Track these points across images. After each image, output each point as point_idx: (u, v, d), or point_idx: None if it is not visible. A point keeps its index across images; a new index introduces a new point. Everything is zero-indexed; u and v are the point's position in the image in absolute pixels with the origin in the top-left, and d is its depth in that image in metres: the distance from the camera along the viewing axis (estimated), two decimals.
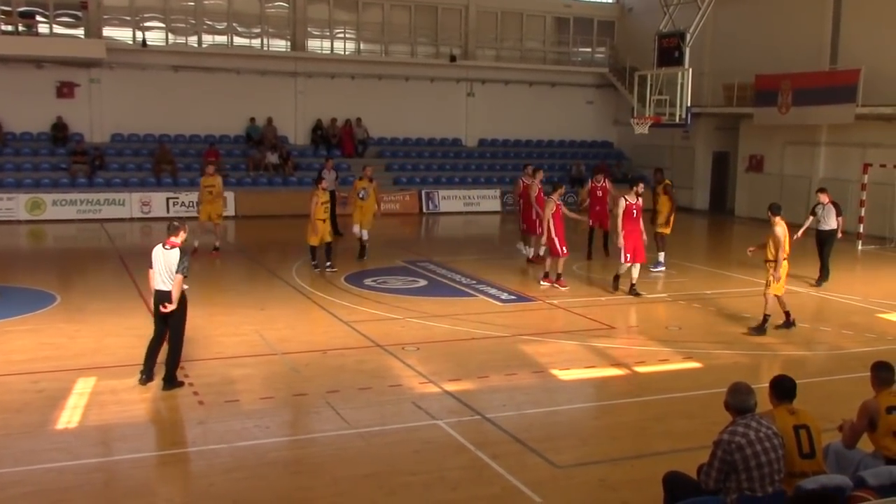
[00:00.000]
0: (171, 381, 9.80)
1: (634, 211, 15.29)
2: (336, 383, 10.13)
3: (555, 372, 10.99)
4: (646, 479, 7.48)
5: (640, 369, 11.02)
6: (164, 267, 9.74)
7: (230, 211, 26.73)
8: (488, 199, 30.16)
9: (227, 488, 7.30)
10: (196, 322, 12.84)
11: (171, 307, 9.68)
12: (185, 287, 9.86)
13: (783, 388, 6.26)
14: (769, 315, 12.77)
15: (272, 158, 28.65)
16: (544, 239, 15.86)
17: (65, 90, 27.68)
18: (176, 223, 10.14)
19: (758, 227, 27.10)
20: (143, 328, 12.42)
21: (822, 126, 26.10)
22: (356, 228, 18.84)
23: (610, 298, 15.20)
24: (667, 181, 18.83)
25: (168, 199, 26.35)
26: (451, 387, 9.98)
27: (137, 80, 28.16)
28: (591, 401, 10.35)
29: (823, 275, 17.22)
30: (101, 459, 8.10)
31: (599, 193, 19.32)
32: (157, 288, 9.82)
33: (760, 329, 12.70)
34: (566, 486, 7.54)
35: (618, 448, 8.49)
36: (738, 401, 5.87)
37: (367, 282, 16.16)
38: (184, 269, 9.73)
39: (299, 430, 9.13)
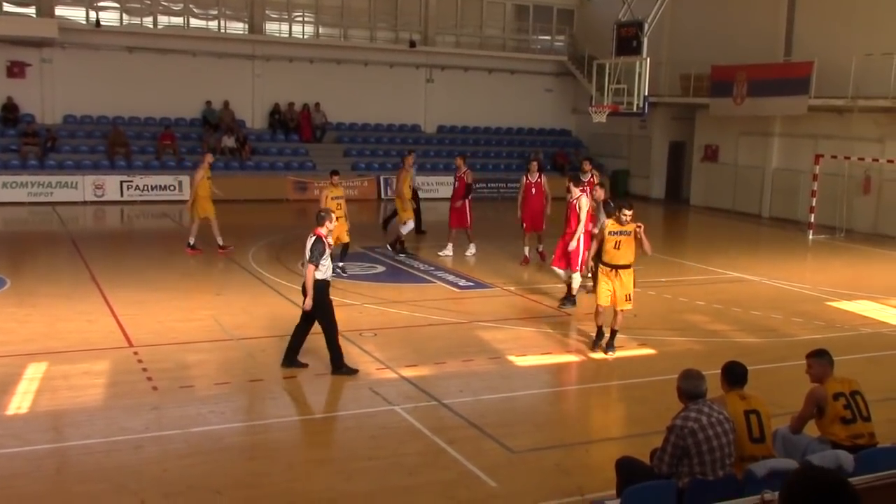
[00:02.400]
0: (339, 368, 9.82)
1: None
2: (292, 369, 10.09)
3: (511, 358, 11.06)
4: (600, 463, 7.58)
5: (596, 356, 11.13)
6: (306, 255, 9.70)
7: (185, 195, 26.40)
8: (447, 186, 30.05)
9: (181, 474, 7.25)
10: (150, 307, 12.73)
11: (308, 301, 9.70)
12: (325, 276, 9.76)
13: (734, 374, 6.39)
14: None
15: (229, 142, 28.33)
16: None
17: (15, 70, 27.04)
18: (322, 213, 10.13)
19: (712, 216, 27.54)
20: (96, 313, 12.31)
21: (776, 117, 26.50)
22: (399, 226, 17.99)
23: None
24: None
25: (122, 182, 25.91)
26: (408, 372, 10.00)
27: (91, 60, 27.61)
28: (546, 387, 10.44)
29: None
30: (53, 445, 7.99)
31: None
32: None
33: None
34: (521, 470, 7.60)
35: (572, 433, 8.59)
36: (691, 386, 5.97)
37: None
38: (314, 257, 9.61)
39: (255, 416, 9.08)
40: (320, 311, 9.81)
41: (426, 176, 28.35)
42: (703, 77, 27.91)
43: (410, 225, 17.79)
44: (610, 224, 10.79)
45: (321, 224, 9.93)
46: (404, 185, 17.75)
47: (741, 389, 6.36)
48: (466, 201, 17.75)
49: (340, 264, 15.23)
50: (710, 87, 27.32)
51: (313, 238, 9.77)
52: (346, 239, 15.42)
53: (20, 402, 8.80)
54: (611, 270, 10.74)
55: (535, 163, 17.03)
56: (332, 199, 15.24)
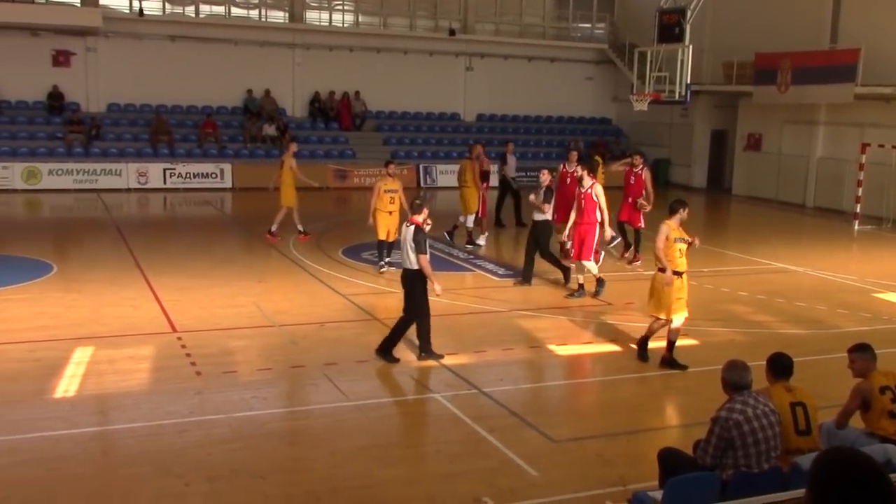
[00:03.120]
0: (428, 353, 9.91)
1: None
2: (334, 356, 10.15)
3: (552, 347, 11.02)
4: (642, 454, 7.54)
5: (637, 346, 11.03)
6: (407, 245, 9.70)
7: (227, 183, 26.71)
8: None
9: (224, 458, 7.33)
10: (193, 293, 12.88)
11: (437, 288, 9.75)
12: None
13: (780, 366, 6.30)
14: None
15: (269, 130, 28.52)
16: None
17: (61, 59, 27.46)
18: (418, 201, 10.12)
19: (755, 205, 27.17)
20: (140, 299, 12.48)
21: (820, 105, 26.04)
22: (461, 218, 17.74)
23: (607, 275, 15.15)
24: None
25: (165, 169, 26.23)
26: (448, 360, 10.00)
27: (134, 49, 27.94)
28: (587, 376, 10.39)
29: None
30: (99, 428, 8.13)
31: (632, 180, 16.12)
32: (404, 266, 9.87)
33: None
34: (562, 460, 7.58)
35: (614, 423, 8.54)
36: (736, 377, 5.89)
37: (365, 255, 16.14)
38: (423, 247, 9.65)
39: (296, 402, 9.16)
40: (420, 296, 9.78)
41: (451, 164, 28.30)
42: (746, 64, 27.50)
43: (472, 218, 17.71)
44: (675, 231, 10.01)
45: (418, 212, 9.86)
46: (475, 176, 17.57)
47: (787, 381, 6.27)
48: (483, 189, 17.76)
49: (387, 259, 14.62)
50: (754, 74, 26.92)
51: (412, 228, 9.70)
52: (392, 238, 14.42)
53: (67, 385, 8.96)
54: (678, 278, 9.96)
55: (574, 153, 16.57)
56: (385, 191, 14.50)
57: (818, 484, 2.58)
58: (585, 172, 13.57)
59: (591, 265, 13.39)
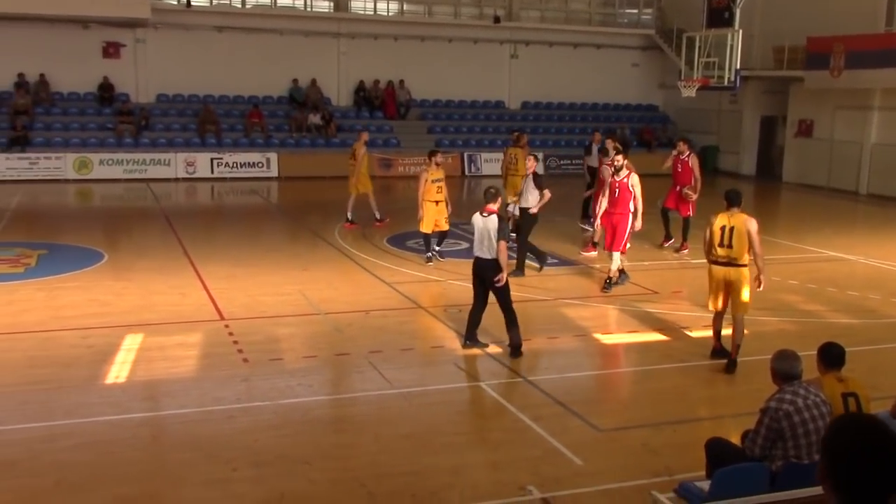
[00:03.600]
0: (518, 351, 9.68)
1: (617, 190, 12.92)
2: (378, 343, 10.20)
3: (597, 336, 10.95)
4: (688, 443, 7.45)
5: (686, 334, 10.93)
6: (485, 234, 9.55)
7: (273, 172, 26.95)
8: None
9: (271, 444, 7.40)
10: (240, 282, 13.03)
11: (502, 277, 9.51)
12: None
13: (832, 356, 6.17)
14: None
15: (315, 119, 28.69)
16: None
17: (111, 50, 27.90)
18: (493, 190, 10.04)
19: (806, 193, 26.67)
20: (188, 287, 12.66)
21: (875, 90, 25.42)
22: (510, 207, 17.95)
23: (653, 263, 15.05)
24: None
25: (213, 159, 26.55)
26: (492, 349, 9.98)
27: (182, 40, 28.27)
28: (633, 365, 10.30)
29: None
30: (149, 414, 8.27)
31: (679, 168, 15.94)
32: (478, 256, 9.67)
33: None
34: (608, 449, 7.53)
35: (660, 413, 8.45)
36: (786, 366, 5.78)
37: (410, 243, 16.17)
38: (505, 234, 9.61)
39: (342, 390, 9.23)
40: (504, 286, 9.65)
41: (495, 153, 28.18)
42: (797, 49, 26.95)
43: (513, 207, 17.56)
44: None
45: (493, 201, 9.75)
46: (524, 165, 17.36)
47: (838, 371, 6.14)
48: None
49: (437, 249, 14.61)
50: (806, 59, 26.38)
51: (492, 217, 9.57)
52: (445, 227, 14.54)
53: (118, 371, 9.13)
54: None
55: (609, 141, 16.21)
56: (431, 181, 14.37)
57: (832, 450, 2.55)
58: (621, 158, 13.07)
59: (616, 257, 12.91)
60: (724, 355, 9.63)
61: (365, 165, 17.96)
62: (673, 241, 16.24)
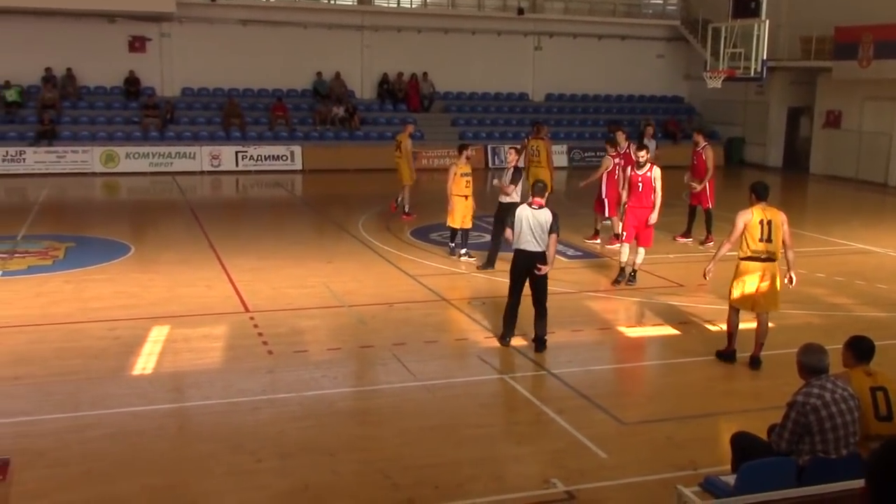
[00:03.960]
0: (543, 344, 9.67)
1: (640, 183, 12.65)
2: (402, 336, 10.21)
3: (621, 329, 10.91)
4: (713, 437, 7.42)
5: (709, 328, 10.86)
6: (534, 227, 9.46)
7: (297, 165, 27.04)
8: (555, 155, 29.77)
9: (296, 436, 7.44)
10: (265, 274, 13.10)
11: (546, 269, 9.53)
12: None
13: (861, 349, 6.10)
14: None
15: (338, 111, 28.72)
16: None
17: (136, 44, 28.10)
18: (541, 183, 10.00)
19: (834, 185, 26.37)
20: (214, 279, 12.74)
21: None
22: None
23: (679, 256, 14.95)
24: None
25: (237, 152, 26.70)
26: (516, 341, 9.96)
27: (207, 34, 28.40)
28: (657, 359, 10.24)
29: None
30: (175, 405, 8.34)
31: (695, 160, 16.07)
32: (524, 248, 9.53)
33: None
34: (632, 442, 7.50)
35: (685, 406, 8.41)
36: (813, 360, 5.73)
37: (433, 236, 16.18)
38: (557, 227, 9.60)
39: (366, 382, 9.25)
40: (546, 279, 9.64)
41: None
42: (825, 39, 26.64)
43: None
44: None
45: (541, 195, 9.69)
46: (549, 155, 17.32)
47: (867, 365, 6.06)
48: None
49: (464, 250, 14.34)
50: (834, 49, 26.07)
51: (543, 210, 9.51)
52: (468, 225, 14.28)
53: (145, 363, 9.21)
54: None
55: (620, 133, 16.15)
56: (461, 175, 14.19)
57: (875, 476, 2.49)
58: (645, 153, 12.79)
59: (642, 252, 12.74)
60: (732, 359, 9.44)
61: (409, 157, 18.17)
62: (691, 237, 16.18)
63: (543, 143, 17.19)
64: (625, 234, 12.76)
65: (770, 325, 9.50)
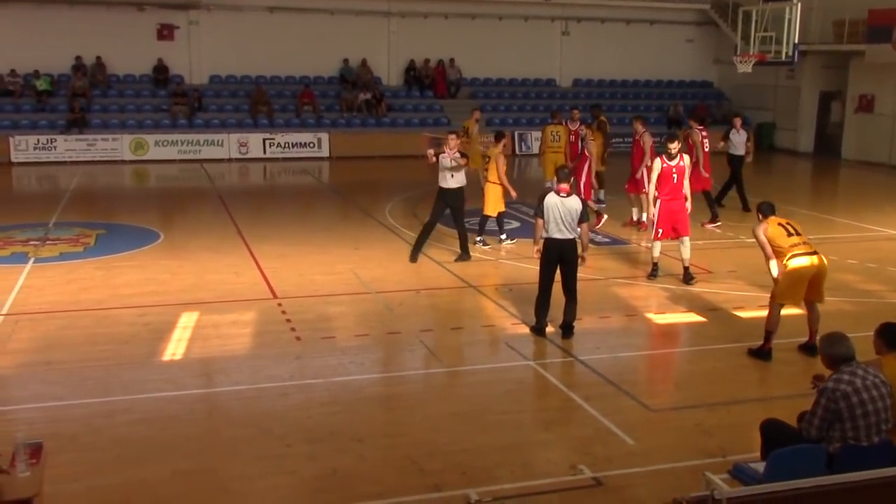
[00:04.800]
0: (571, 331, 9.67)
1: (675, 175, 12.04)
2: (429, 322, 10.23)
3: (649, 315, 10.85)
4: (742, 424, 7.37)
5: (739, 314, 10.77)
6: (564, 215, 9.41)
7: (324, 152, 27.11)
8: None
9: (324, 421, 7.49)
10: (292, 261, 13.16)
11: (585, 255, 9.65)
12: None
13: (891, 336, 6.00)
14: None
15: (365, 97, 28.70)
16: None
17: (165, 32, 28.25)
18: (566, 170, 9.98)
19: (866, 170, 26.00)
20: (242, 266, 12.83)
21: None
22: (548, 183, 17.01)
23: (708, 242, 14.82)
24: (602, 118, 17.64)
25: (265, 139, 26.81)
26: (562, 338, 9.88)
27: (234, 21, 28.49)
28: (686, 345, 10.18)
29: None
30: (205, 391, 8.41)
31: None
32: (554, 237, 9.50)
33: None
34: (661, 429, 7.46)
35: (714, 393, 8.35)
36: (841, 350, 5.64)
37: None
38: (587, 217, 9.62)
39: (393, 368, 9.28)
40: (576, 268, 9.65)
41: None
42: (858, 22, 26.21)
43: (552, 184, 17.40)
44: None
45: (567, 180, 9.64)
46: (570, 143, 17.25)
47: None
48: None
49: (481, 238, 14.30)
50: (867, 32, 25.63)
51: (568, 197, 9.45)
52: (502, 208, 14.35)
53: (175, 349, 9.30)
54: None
55: (638, 122, 16.10)
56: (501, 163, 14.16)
57: None
58: (677, 144, 12.09)
59: (656, 246, 12.22)
60: (768, 357, 9.27)
61: (477, 143, 18.26)
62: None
63: (563, 128, 17.23)
64: (661, 231, 12.05)
65: (799, 311, 9.40)
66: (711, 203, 16.42)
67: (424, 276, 12.49)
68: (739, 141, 17.67)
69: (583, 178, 15.59)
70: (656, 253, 12.33)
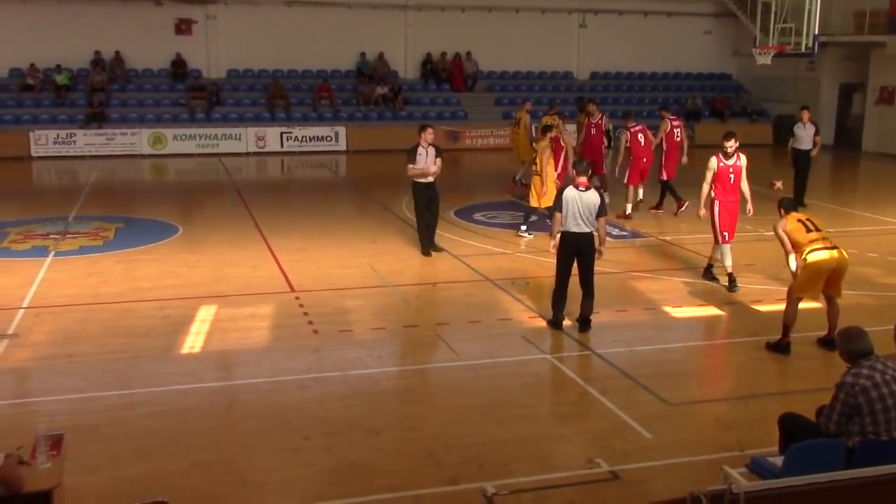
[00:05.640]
0: (588, 324, 9.70)
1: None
2: (446, 316, 10.24)
3: (667, 309, 10.81)
4: (761, 419, 7.33)
5: (757, 308, 10.72)
6: (582, 209, 9.39)
7: (341, 146, 27.15)
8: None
9: (341, 414, 7.52)
10: (310, 254, 13.20)
11: (603, 249, 9.64)
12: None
13: None
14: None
15: (382, 91, 28.70)
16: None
17: (183, 27, 28.37)
18: (585, 163, 10.01)
19: (887, 162, 25.77)
20: (259, 259, 12.89)
21: None
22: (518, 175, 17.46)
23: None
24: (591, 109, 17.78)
25: (282, 133, 26.88)
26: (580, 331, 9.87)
27: (251, 15, 28.57)
28: (704, 339, 10.15)
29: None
30: (223, 383, 8.46)
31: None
32: (572, 230, 9.48)
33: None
34: (678, 423, 7.45)
35: (732, 387, 8.34)
36: (860, 346, 5.60)
37: (477, 216, 16.16)
38: (604, 211, 9.62)
39: (410, 361, 9.29)
40: (594, 261, 9.67)
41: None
42: (879, 13, 25.96)
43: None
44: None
45: (586, 174, 9.65)
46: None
47: None
48: None
49: (525, 227, 14.40)
50: (888, 23, 25.39)
51: (586, 191, 9.44)
52: (549, 203, 14.18)
53: (193, 341, 9.36)
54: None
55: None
56: (552, 157, 14.33)
57: None
58: (735, 142, 11.38)
59: (726, 253, 11.54)
60: (787, 351, 9.14)
61: (528, 134, 18.44)
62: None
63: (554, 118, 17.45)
64: (726, 234, 11.42)
65: (820, 305, 9.34)
66: (665, 192, 16.81)
67: (441, 269, 12.50)
68: (805, 135, 17.08)
69: (558, 168, 15.45)
70: (728, 262, 11.47)
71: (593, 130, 17.47)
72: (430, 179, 13.04)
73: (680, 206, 16.46)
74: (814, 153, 17.29)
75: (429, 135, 13.00)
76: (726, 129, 12.27)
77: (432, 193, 13.09)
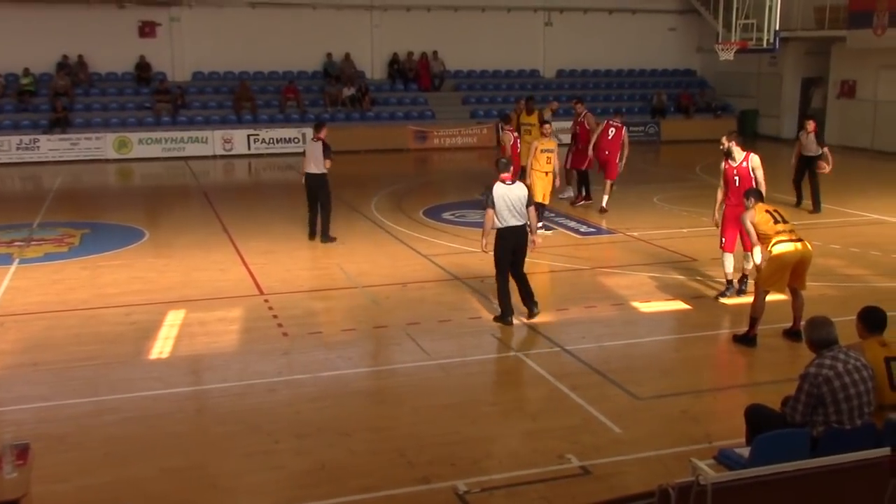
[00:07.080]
0: (535, 302, 10.00)
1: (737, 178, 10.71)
2: (416, 316, 10.25)
3: (635, 304, 10.90)
4: (728, 411, 7.42)
5: (723, 301, 10.83)
6: (514, 202, 9.67)
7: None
8: (567, 133, 29.65)
9: (312, 416, 7.51)
10: (278, 257, 13.15)
11: (539, 240, 10.04)
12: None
13: (874, 319, 6.06)
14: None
15: (348, 91, 28.63)
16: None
17: (146, 29, 28.06)
18: (504, 160, 10.29)
19: (849, 155, 26.13)
20: (228, 262, 12.81)
21: None
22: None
23: (692, 230, 14.89)
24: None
25: (249, 136, 26.69)
26: (530, 319, 9.98)
27: (216, 17, 28.33)
28: (671, 333, 10.24)
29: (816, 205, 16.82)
30: (192, 388, 8.42)
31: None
32: (509, 224, 9.71)
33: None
34: (647, 417, 7.52)
35: (699, 380, 8.42)
36: (823, 334, 5.70)
37: (446, 215, 16.19)
38: (533, 200, 10.04)
39: (381, 362, 9.30)
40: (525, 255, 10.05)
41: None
42: (839, 8, 26.35)
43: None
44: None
45: (506, 170, 9.91)
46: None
47: (881, 335, 6.04)
48: None
49: (541, 224, 13.89)
50: (848, 18, 25.76)
51: (513, 184, 9.77)
52: (547, 201, 14.56)
53: (162, 347, 9.29)
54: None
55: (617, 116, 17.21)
56: (542, 151, 14.32)
57: None
58: (734, 143, 10.82)
59: (727, 260, 10.87)
60: (754, 343, 9.22)
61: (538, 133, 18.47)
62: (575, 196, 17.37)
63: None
64: (724, 240, 10.77)
65: (783, 297, 9.47)
66: (580, 183, 17.37)
67: (411, 269, 12.51)
68: (811, 142, 17.14)
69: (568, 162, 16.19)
70: (729, 268, 10.86)
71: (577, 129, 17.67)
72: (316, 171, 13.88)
73: (578, 199, 17.18)
74: (822, 160, 17.03)
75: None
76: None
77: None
